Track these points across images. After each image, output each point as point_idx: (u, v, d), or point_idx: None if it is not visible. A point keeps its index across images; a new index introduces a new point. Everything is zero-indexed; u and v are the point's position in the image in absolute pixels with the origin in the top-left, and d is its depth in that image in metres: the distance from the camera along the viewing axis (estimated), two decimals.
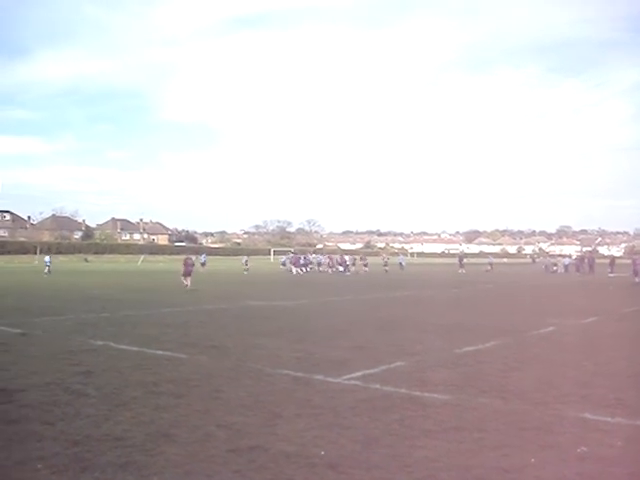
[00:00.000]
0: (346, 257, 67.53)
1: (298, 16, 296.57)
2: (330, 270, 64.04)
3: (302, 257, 66.91)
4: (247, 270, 59.95)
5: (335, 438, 7.25)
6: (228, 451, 6.74)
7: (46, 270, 51.61)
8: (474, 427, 7.73)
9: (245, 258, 66.69)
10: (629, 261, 63.96)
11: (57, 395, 9.17)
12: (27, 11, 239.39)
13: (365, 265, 63.92)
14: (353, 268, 62.96)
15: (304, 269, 62.59)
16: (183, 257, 38.11)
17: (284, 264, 67.70)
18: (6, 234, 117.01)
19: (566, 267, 70.67)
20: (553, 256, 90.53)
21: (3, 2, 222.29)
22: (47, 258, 54.92)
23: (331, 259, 67.80)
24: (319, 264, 68.71)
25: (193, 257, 37.51)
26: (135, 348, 13.58)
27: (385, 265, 66.25)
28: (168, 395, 9.24)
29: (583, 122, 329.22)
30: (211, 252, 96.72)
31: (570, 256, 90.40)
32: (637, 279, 45.88)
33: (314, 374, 10.91)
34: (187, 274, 34.16)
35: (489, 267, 74.48)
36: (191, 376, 10.68)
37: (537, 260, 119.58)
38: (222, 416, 8.11)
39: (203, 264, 61.48)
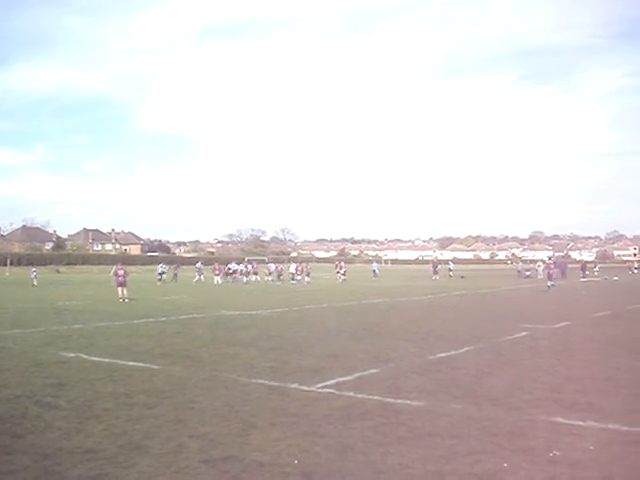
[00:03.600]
0: (293, 265, 62.51)
1: (275, 25, 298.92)
2: (267, 279, 60.83)
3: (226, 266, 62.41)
4: (161, 281, 55.60)
5: (309, 446, 7.24)
6: (201, 462, 6.72)
7: (34, 282, 51.07)
8: (447, 433, 7.76)
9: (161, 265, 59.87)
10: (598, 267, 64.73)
11: (27, 408, 9.07)
12: (3, 21, 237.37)
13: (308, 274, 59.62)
14: (299, 277, 57.89)
15: (228, 278, 59.67)
16: (177, 266, 37.00)
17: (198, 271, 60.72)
18: None
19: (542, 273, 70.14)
20: (525, 261, 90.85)
21: None
22: (33, 270, 54.36)
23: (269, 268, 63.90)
24: (252, 273, 62.43)
25: (125, 267, 35.28)
26: (107, 360, 13.47)
27: (342, 274, 60.80)
28: (141, 406, 9.18)
29: (557, 128, 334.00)
30: (184, 262, 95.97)
31: (544, 261, 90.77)
32: (549, 283, 45.53)
33: (288, 383, 10.90)
34: (120, 284, 32.94)
35: (451, 274, 72.13)
36: (164, 387, 10.62)
37: (512, 265, 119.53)
38: (195, 426, 8.07)
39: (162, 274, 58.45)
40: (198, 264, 61.06)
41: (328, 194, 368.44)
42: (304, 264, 64.20)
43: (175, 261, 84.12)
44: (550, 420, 8.41)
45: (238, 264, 65.40)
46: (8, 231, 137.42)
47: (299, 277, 57.43)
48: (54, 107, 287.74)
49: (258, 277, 61.55)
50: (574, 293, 41.36)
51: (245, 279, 58.64)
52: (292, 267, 60.75)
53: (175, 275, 59.59)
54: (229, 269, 62.86)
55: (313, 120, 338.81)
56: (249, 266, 63.46)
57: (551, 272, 46.81)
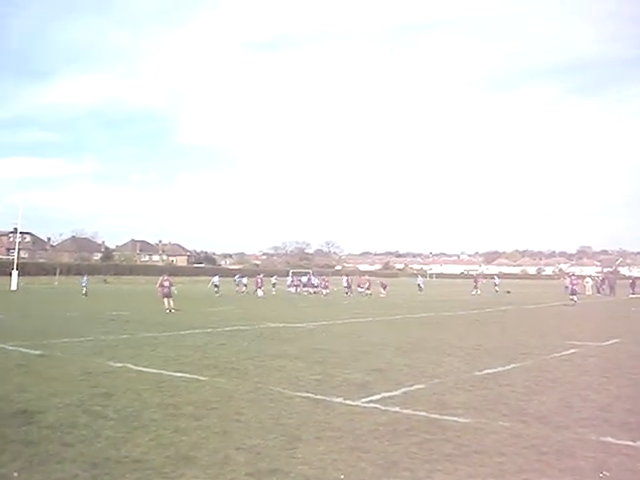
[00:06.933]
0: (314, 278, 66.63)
1: (315, 38, 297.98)
2: (308, 291, 62.74)
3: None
4: (218, 293, 54.93)
5: (355, 462, 7.22)
6: (247, 474, 6.74)
7: (84, 291, 51.70)
8: (494, 451, 7.67)
9: (215, 278, 59.17)
10: None
11: (76, 417, 9.20)
12: (51, 34, 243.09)
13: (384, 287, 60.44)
14: (369, 291, 58.75)
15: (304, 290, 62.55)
16: (208, 278, 37.27)
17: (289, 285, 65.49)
18: (26, 255, 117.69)
19: (591, 289, 68.78)
20: (573, 277, 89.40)
21: (28, 24, 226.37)
22: (84, 279, 54.75)
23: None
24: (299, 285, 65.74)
25: (170, 278, 35.42)
26: (154, 370, 13.61)
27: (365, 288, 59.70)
28: (187, 417, 9.25)
29: (603, 141, 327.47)
30: (229, 273, 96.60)
31: (592, 277, 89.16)
32: (570, 297, 45.07)
33: (334, 397, 10.90)
34: (165, 295, 33.42)
35: (496, 289, 71.36)
36: (211, 398, 10.69)
37: (560, 281, 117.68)
38: (242, 439, 8.10)
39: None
40: (236, 276, 63.50)
41: (373, 207, 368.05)
42: (366, 277, 64.55)
43: (235, 273, 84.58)
44: (600, 440, 8.26)
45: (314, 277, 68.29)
46: (58, 241, 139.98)
47: (368, 291, 57.98)
48: (101, 119, 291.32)
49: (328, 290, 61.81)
50: (624, 310, 40.62)
51: (324, 292, 59.86)
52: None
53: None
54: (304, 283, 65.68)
55: (357, 133, 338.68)
56: (322, 279, 64.30)
57: (575, 287, 46.15)
